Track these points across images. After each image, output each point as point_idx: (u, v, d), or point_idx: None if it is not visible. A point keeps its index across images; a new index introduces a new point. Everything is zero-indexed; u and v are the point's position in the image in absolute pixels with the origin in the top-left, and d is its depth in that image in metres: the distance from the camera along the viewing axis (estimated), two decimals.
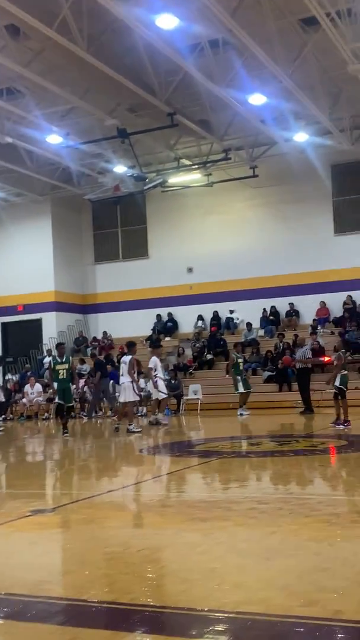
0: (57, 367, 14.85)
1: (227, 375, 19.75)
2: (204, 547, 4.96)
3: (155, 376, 16.82)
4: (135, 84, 17.96)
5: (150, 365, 16.98)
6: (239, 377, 19.06)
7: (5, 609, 3.83)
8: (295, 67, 17.48)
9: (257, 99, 18.81)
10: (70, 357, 15.79)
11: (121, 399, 15.61)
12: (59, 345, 16.01)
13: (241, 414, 18.79)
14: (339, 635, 3.27)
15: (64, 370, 14.76)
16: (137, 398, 15.49)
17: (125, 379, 15.11)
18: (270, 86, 18.41)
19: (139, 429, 15.15)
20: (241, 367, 19.37)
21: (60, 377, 14.75)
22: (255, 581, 4.09)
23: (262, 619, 3.46)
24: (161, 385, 16.94)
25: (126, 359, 15.26)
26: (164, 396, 17.18)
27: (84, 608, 3.78)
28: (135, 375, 15.34)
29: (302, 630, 3.32)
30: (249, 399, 19.36)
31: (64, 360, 14.97)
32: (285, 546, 4.88)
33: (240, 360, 19.41)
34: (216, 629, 3.36)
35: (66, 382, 14.83)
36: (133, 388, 15.05)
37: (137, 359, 15.41)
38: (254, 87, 18.24)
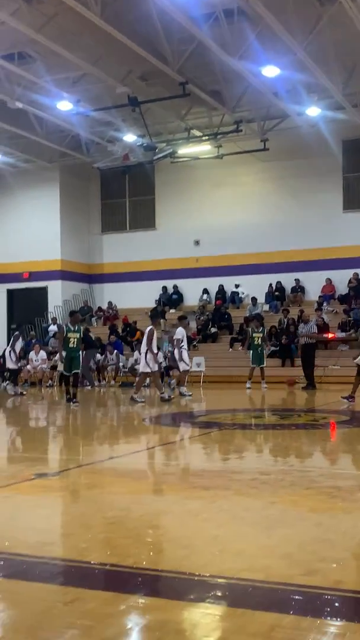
0: (70, 335, 14.70)
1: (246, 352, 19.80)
2: (206, 514, 5.00)
3: (181, 347, 16.67)
4: (147, 52, 17.77)
5: (178, 337, 16.89)
6: (250, 351, 19.19)
7: (9, 569, 3.88)
8: (310, 40, 17.26)
9: (270, 71, 18.60)
10: (81, 327, 15.57)
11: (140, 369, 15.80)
12: (73, 313, 15.76)
13: (249, 388, 18.99)
14: (339, 605, 3.30)
15: (75, 339, 14.66)
16: (148, 370, 15.35)
17: (142, 349, 15.27)
18: (284, 58, 18.18)
19: (142, 400, 15.20)
20: (256, 342, 19.34)
21: (71, 345, 14.62)
22: (256, 549, 4.13)
23: (262, 586, 3.49)
24: (185, 356, 16.81)
25: (146, 330, 15.43)
26: (187, 368, 17.00)
27: (86, 570, 3.83)
28: (154, 347, 15.24)
29: (302, 598, 3.35)
30: (257, 373, 19.35)
31: (76, 328, 14.85)
32: (286, 516, 4.91)
33: (255, 334, 19.43)
34: (217, 594, 3.40)
35: (76, 350, 14.75)
36: (145, 360, 15.08)
37: (153, 330, 15.29)
38: (268, 58, 18.02)
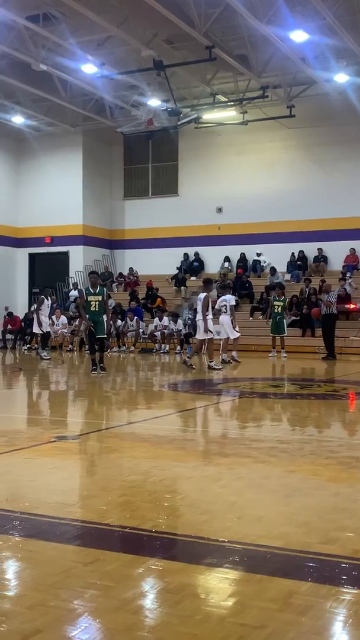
0: (90, 298, 13.83)
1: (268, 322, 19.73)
2: (225, 481, 5.03)
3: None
4: (174, 15, 17.48)
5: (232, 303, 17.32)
6: (270, 320, 19.14)
7: (30, 529, 3.93)
8: (340, 3, 16.89)
9: (298, 36, 18.26)
10: (105, 289, 14.45)
11: (197, 336, 15.69)
12: (91, 275, 14.73)
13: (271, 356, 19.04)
14: (357, 573, 3.31)
15: (96, 302, 13.72)
16: (207, 336, 15.17)
17: (199, 316, 15.17)
18: (313, 23, 17.83)
19: (220, 366, 15.20)
20: (276, 310, 19.19)
21: (92, 309, 13.70)
22: (275, 516, 4.15)
23: (280, 553, 3.52)
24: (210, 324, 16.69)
25: (201, 296, 15.27)
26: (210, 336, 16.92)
27: (106, 532, 3.87)
28: (209, 313, 15.17)
29: (319, 566, 3.37)
30: (279, 342, 19.30)
31: (97, 291, 13.88)
32: (305, 485, 4.93)
33: (276, 303, 19.29)
34: (235, 559, 3.43)
35: (99, 314, 13.76)
36: (205, 326, 14.97)
37: (208, 297, 15.22)
38: (296, 23, 17.67)
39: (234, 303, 17.31)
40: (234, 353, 17.33)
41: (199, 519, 4.11)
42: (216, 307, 17.19)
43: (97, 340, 13.97)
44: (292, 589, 3.02)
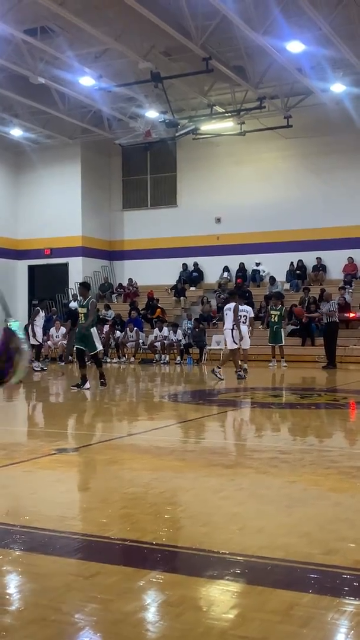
0: (80, 310, 13.56)
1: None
2: (226, 492, 5.02)
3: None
4: (171, 27, 17.57)
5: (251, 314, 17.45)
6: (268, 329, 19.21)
7: (30, 543, 3.92)
8: (335, 14, 16.98)
9: (295, 47, 18.33)
10: (91, 300, 13.56)
11: (228, 346, 15.64)
12: (79, 286, 14.33)
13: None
14: (358, 584, 3.31)
15: (83, 315, 13.30)
16: (235, 346, 15.31)
17: (228, 325, 15.25)
18: (309, 34, 17.92)
19: (244, 376, 15.24)
20: (273, 320, 19.27)
21: (80, 321, 13.39)
22: (276, 527, 4.14)
23: (282, 564, 3.51)
24: (236, 334, 16.03)
25: (230, 306, 15.45)
26: (235, 346, 16.79)
27: (106, 545, 3.86)
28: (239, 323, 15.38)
29: (321, 577, 3.36)
30: (278, 352, 19.37)
31: (84, 303, 13.48)
32: (306, 495, 4.92)
33: (273, 312, 19.37)
34: (236, 571, 3.42)
35: (86, 327, 13.12)
36: (232, 336, 15.10)
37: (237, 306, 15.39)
38: (292, 34, 17.75)
39: (252, 315, 17.47)
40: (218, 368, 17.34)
41: (199, 530, 4.10)
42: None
43: (91, 356, 13.63)
44: (293, 600, 3.01)
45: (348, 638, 2.72)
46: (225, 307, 15.91)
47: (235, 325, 15.10)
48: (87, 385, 13.24)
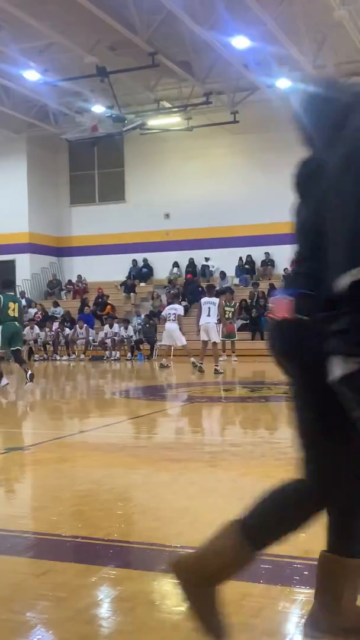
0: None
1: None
2: (177, 486, 5.04)
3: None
4: (116, 21, 17.50)
5: (181, 312, 17.71)
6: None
7: None
8: (280, 10, 17.14)
9: (240, 42, 18.45)
10: (18, 296, 12.68)
11: (208, 338, 15.63)
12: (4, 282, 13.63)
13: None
14: (308, 573, 3.35)
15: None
16: (218, 339, 15.83)
17: (212, 319, 15.30)
18: (254, 29, 18.04)
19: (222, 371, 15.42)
20: (227, 316, 19.37)
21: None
22: (227, 520, 4.16)
23: None
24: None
25: (215, 300, 15.60)
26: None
27: (57, 542, 3.84)
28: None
29: (271, 567, 3.40)
30: (229, 346, 19.57)
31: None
32: (257, 487, 4.93)
33: (227, 308, 19.48)
34: None
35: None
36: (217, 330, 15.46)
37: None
38: (238, 29, 17.86)
39: (182, 313, 17.59)
40: (164, 360, 17.61)
41: (151, 525, 4.11)
42: (163, 314, 17.38)
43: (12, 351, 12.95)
44: (244, 591, 3.04)
45: (299, 626, 2.76)
46: (206, 301, 15.81)
47: (219, 320, 15.48)
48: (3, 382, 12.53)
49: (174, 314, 17.37)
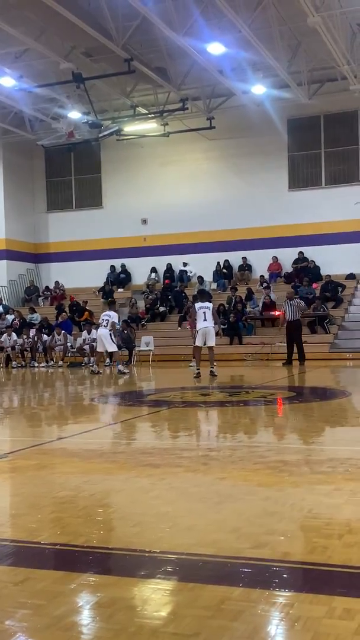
0: None
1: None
2: (156, 492, 5.04)
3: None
4: (91, 27, 17.52)
5: (114, 320, 17.82)
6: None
7: None
8: (254, 17, 17.25)
9: (215, 48, 18.56)
10: None
11: (203, 342, 15.73)
12: None
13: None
14: (287, 576, 3.37)
15: None
16: (213, 344, 15.89)
17: (210, 323, 15.45)
18: (229, 36, 18.17)
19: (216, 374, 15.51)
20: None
21: None
22: (207, 524, 4.17)
23: (212, 560, 3.54)
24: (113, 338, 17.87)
25: (209, 305, 15.76)
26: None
27: (36, 550, 3.82)
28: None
29: (251, 570, 3.41)
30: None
31: None
32: (235, 491, 4.98)
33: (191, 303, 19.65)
34: (167, 569, 3.43)
35: None
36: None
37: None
38: (213, 36, 17.97)
39: (116, 320, 17.96)
40: (95, 367, 18.18)
41: (130, 531, 4.10)
42: (99, 320, 18.15)
43: None
44: (224, 595, 3.05)
45: (278, 628, 2.77)
46: (201, 306, 15.82)
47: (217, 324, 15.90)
48: None
49: (107, 320, 17.58)
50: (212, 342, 15.74)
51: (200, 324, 15.52)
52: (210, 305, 15.85)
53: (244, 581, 3.24)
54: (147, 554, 3.64)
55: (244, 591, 3.09)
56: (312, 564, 3.50)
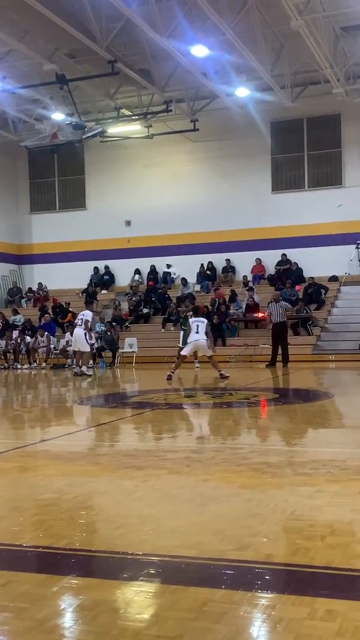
0: None
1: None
2: (139, 493, 5.03)
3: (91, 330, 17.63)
4: (75, 29, 17.49)
5: (88, 318, 18.02)
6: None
7: None
8: (238, 20, 17.29)
9: (199, 51, 18.59)
10: None
11: (202, 353, 16.23)
12: None
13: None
14: (270, 578, 3.38)
15: None
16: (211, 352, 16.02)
17: (201, 336, 15.52)
18: (213, 38, 18.21)
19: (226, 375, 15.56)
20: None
21: None
22: (190, 526, 4.18)
23: (195, 562, 3.54)
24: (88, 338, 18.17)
25: (203, 320, 15.99)
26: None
27: (18, 553, 3.80)
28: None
29: (234, 572, 3.42)
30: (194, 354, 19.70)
31: None
32: (218, 493, 4.99)
33: (188, 314, 19.63)
34: (150, 571, 3.43)
35: None
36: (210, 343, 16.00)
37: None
38: (197, 38, 18.00)
39: (89, 318, 18.19)
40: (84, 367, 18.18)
41: (114, 533, 4.10)
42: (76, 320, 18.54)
43: None
44: (207, 597, 3.05)
45: (260, 630, 2.78)
46: (195, 320, 16.10)
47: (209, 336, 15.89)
48: None
49: (81, 319, 18.01)
50: (205, 353, 15.98)
51: (192, 337, 15.71)
52: (204, 320, 16.09)
53: (226, 583, 3.25)
54: (129, 556, 3.63)
55: (226, 593, 3.10)
56: (294, 565, 3.51)
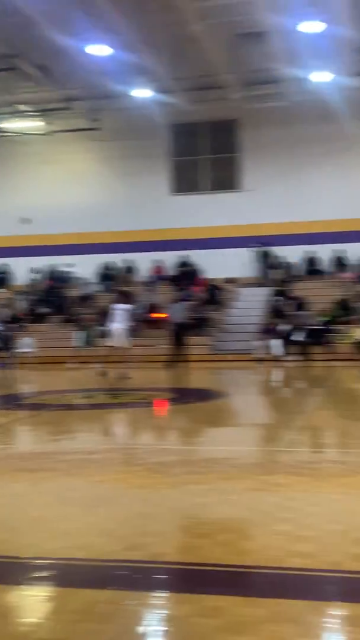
0: None
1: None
2: (31, 496, 4.96)
3: None
4: None
5: None
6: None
7: None
8: (139, 20, 17.30)
9: (98, 50, 18.48)
10: None
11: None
12: None
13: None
14: (159, 577, 3.41)
15: None
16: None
17: (121, 325, 15.11)
18: (114, 38, 18.12)
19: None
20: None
21: None
22: (80, 528, 4.15)
23: (84, 564, 3.53)
24: None
25: (127, 307, 15.61)
26: None
27: None
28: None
29: (123, 572, 3.43)
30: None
31: None
32: (112, 494, 4.98)
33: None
34: (38, 575, 3.40)
35: None
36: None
37: None
38: (98, 37, 17.88)
39: None
40: None
41: (2, 537, 4.02)
42: None
43: None
44: (94, 598, 3.05)
45: (148, 629, 2.80)
46: (117, 306, 15.63)
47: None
48: None
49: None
50: (122, 343, 15.58)
51: (112, 325, 15.47)
52: (124, 307, 15.64)
53: (114, 584, 3.25)
54: (17, 560, 3.58)
55: (114, 593, 3.10)
56: (184, 563, 3.56)
